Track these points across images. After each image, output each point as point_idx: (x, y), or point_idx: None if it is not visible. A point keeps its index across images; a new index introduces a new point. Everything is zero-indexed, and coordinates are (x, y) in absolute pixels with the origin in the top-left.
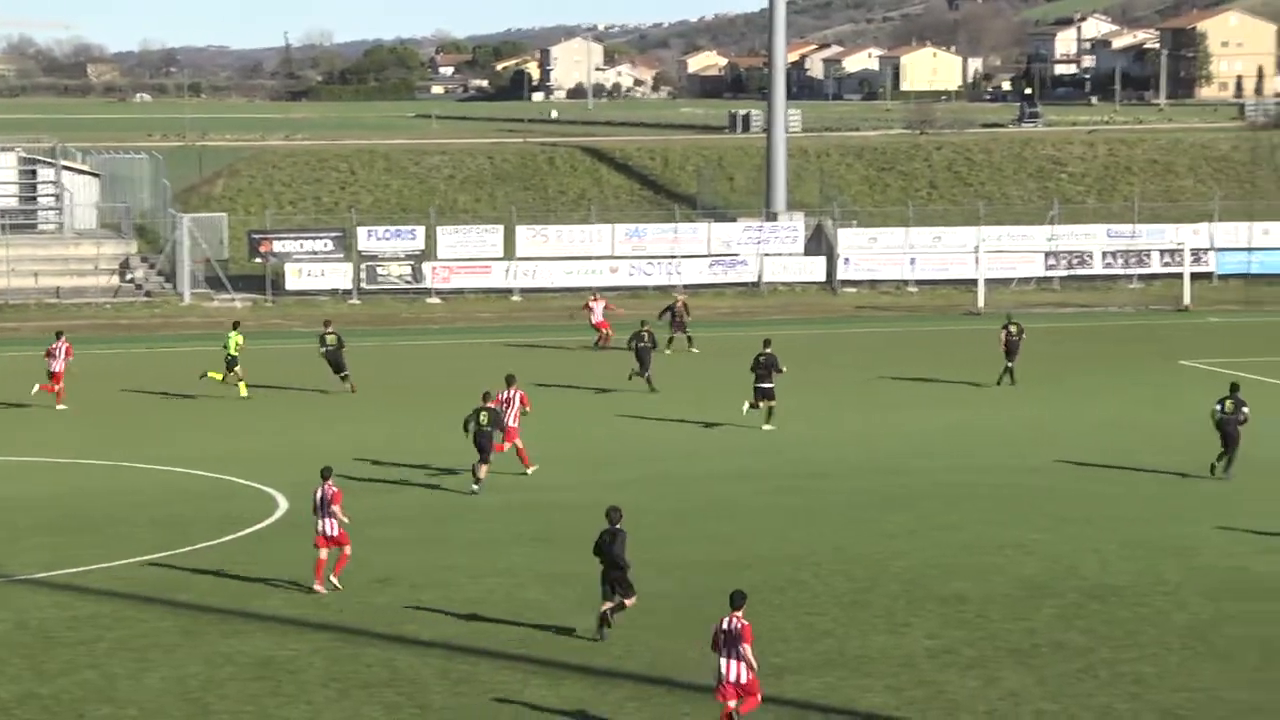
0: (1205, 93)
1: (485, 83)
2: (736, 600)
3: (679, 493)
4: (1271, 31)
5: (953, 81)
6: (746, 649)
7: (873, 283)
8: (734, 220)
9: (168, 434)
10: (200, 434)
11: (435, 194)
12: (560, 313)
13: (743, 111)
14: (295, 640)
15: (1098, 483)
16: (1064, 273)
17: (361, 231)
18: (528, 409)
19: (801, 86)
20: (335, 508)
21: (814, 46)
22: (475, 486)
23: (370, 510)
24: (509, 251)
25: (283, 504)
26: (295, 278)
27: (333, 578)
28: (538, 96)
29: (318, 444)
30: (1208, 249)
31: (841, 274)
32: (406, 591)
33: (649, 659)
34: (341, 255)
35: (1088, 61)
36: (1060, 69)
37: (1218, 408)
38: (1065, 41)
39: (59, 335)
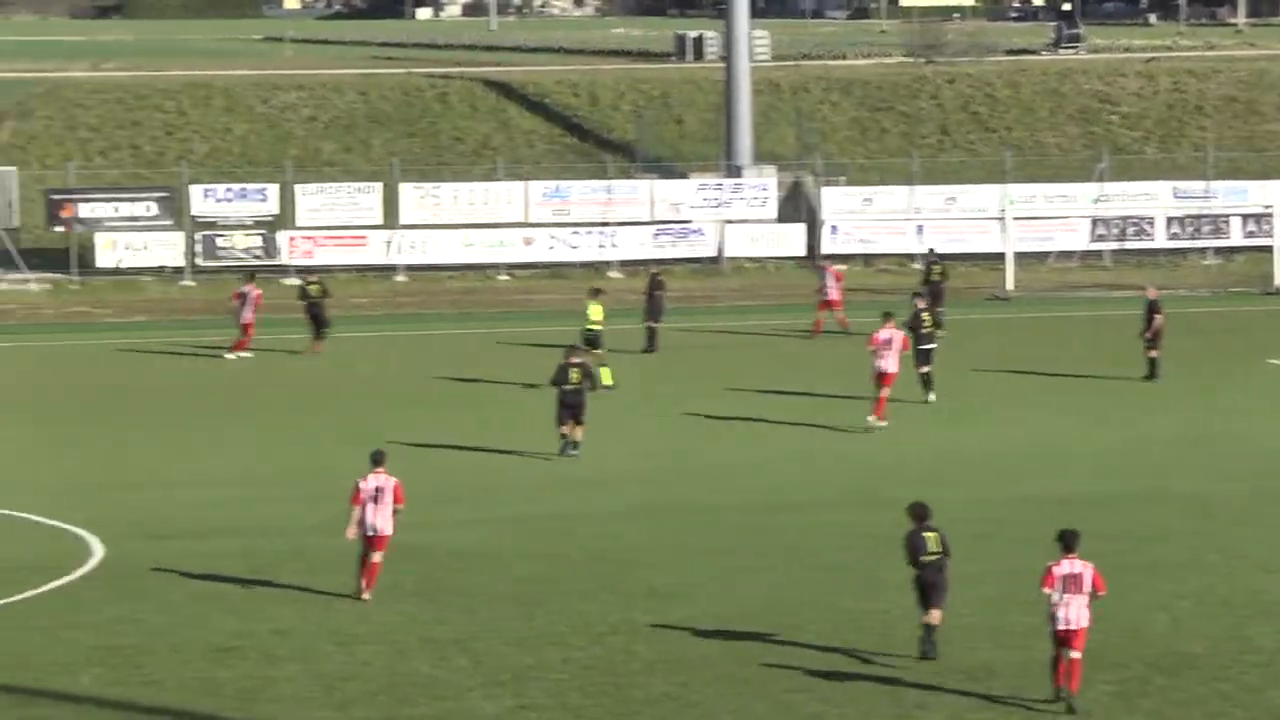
0: None
1: None
2: (1070, 541)
3: (628, 529)
4: None
5: None
6: (1099, 595)
7: (867, 257)
8: (685, 177)
9: None
10: None
11: (291, 141)
12: (457, 295)
13: (693, 33)
14: None
15: (1164, 518)
16: (1116, 245)
17: (195, 191)
18: (906, 351)
19: (771, 1)
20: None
21: None
22: (574, 452)
23: (194, 557)
24: (390, 218)
25: (97, 549)
26: (109, 252)
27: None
28: (423, 13)
29: (147, 469)
30: None
31: (827, 246)
32: (257, 663)
33: None
34: (170, 222)
35: None
36: None
37: None
38: None
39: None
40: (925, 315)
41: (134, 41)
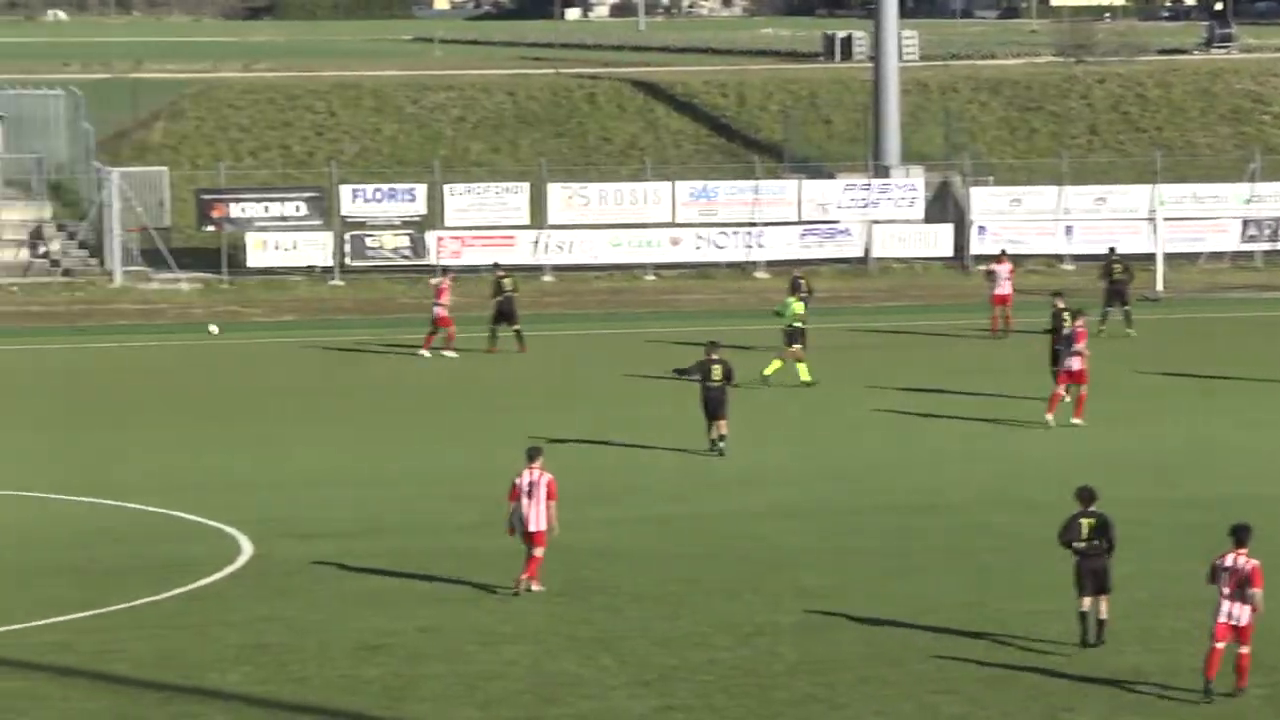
0: None
1: None
2: (1241, 536)
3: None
4: None
5: None
6: (1257, 593)
7: (1016, 258)
8: (832, 177)
9: (93, 454)
10: (137, 453)
11: (440, 142)
12: (604, 295)
13: (842, 33)
14: None
15: None
16: (1268, 245)
17: (344, 191)
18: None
19: (920, 1)
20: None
21: None
22: (722, 444)
23: (344, 555)
24: (537, 218)
25: (246, 547)
26: (259, 251)
27: (525, 579)
28: (572, 14)
29: (297, 468)
30: None
31: (975, 247)
32: (403, 662)
33: None
34: (319, 222)
35: None
36: None
37: None
38: None
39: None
40: (1066, 315)
41: (284, 42)
